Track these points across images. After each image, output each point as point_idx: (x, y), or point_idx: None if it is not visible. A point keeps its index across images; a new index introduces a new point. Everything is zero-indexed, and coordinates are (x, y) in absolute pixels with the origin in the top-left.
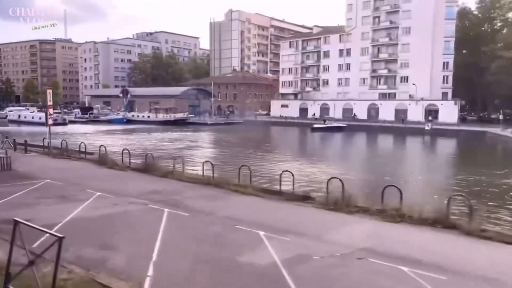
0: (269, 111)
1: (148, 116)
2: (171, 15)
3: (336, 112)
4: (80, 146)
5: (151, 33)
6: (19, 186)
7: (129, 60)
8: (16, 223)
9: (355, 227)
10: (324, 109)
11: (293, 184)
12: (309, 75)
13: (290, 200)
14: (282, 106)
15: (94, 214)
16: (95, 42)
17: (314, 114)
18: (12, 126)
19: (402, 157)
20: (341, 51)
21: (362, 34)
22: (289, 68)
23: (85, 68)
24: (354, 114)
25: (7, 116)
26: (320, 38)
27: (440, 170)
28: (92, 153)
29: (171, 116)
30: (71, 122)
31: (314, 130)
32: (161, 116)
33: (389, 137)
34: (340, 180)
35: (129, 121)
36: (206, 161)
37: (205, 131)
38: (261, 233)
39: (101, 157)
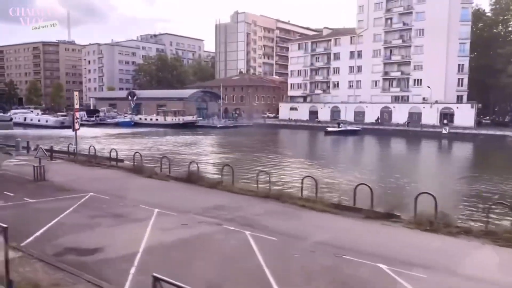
0: (277, 113)
1: (156, 119)
2: (173, 16)
3: (347, 115)
4: (110, 153)
5: (155, 35)
6: (64, 201)
7: (133, 63)
8: (156, 280)
9: (478, 256)
10: (335, 112)
11: (372, 200)
12: (318, 78)
13: (371, 218)
14: (291, 109)
15: (169, 239)
16: (99, 44)
17: (317, 118)
18: (18, 129)
19: (433, 163)
20: (352, 53)
21: (374, 36)
22: (298, 70)
23: (89, 71)
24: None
25: (11, 118)
26: (330, 40)
27: (484, 177)
28: (122, 160)
29: (180, 119)
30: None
31: (328, 133)
32: (170, 119)
33: (406, 141)
34: (431, 195)
35: (136, 124)
36: (260, 171)
37: (216, 134)
38: (383, 266)
39: (136, 165)
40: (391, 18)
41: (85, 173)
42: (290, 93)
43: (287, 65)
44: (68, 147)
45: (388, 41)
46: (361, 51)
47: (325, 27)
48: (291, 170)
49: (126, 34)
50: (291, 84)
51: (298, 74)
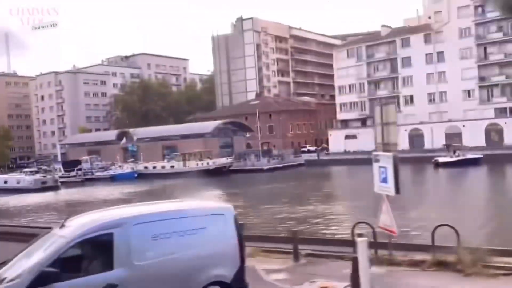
0: (318, 145)
1: (172, 166)
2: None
3: (434, 139)
4: None
5: (126, 57)
6: None
7: (103, 94)
8: None
9: None
10: (415, 137)
11: None
12: (381, 92)
13: None
14: (347, 137)
15: None
16: (56, 73)
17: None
18: None
19: None
20: (429, 55)
21: (460, 30)
22: (350, 85)
23: (43, 109)
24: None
25: None
26: (394, 41)
27: None
28: None
29: (209, 163)
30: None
31: (440, 165)
32: (194, 164)
33: None
34: None
35: (141, 176)
36: None
37: (278, 180)
38: None
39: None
40: (482, 6)
41: None
42: (341, 116)
43: (309, 83)
44: None
45: (481, 35)
46: (442, 52)
47: (383, 25)
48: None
49: (81, 61)
50: (341, 104)
51: (350, 90)
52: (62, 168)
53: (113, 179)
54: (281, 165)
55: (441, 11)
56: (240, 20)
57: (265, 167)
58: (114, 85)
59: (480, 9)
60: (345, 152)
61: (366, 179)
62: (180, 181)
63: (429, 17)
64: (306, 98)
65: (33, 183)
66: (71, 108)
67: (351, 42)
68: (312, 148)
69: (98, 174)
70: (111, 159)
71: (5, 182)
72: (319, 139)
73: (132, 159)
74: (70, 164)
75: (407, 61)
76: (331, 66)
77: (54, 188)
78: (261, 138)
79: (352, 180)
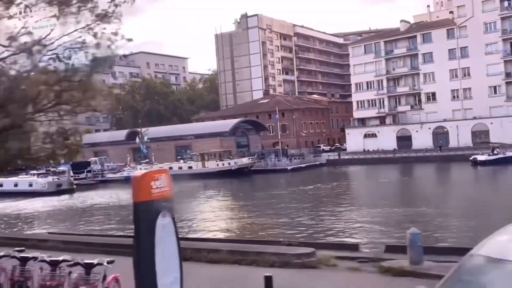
0: (332, 144)
1: (190, 167)
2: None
3: (460, 137)
4: None
5: (125, 56)
6: None
7: None
8: None
9: None
10: (439, 135)
11: None
12: (401, 89)
13: None
14: (366, 136)
15: None
16: None
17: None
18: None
19: None
20: (452, 51)
21: (484, 25)
22: (368, 82)
23: None
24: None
25: None
26: (414, 37)
27: None
28: None
29: (231, 164)
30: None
31: (479, 164)
32: (214, 165)
33: None
34: None
35: None
36: None
37: (312, 181)
38: None
39: None
40: None
41: None
42: (357, 114)
43: (313, 82)
44: None
45: (507, 30)
46: (466, 47)
47: (402, 20)
48: None
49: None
50: (358, 102)
51: (368, 87)
52: (71, 170)
53: (127, 180)
54: (303, 165)
55: (464, 5)
56: (245, 17)
57: (289, 167)
58: (113, 84)
59: (506, 3)
60: (364, 152)
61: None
62: (201, 183)
63: (451, 12)
64: (315, 96)
65: (47, 185)
66: None
67: (368, 37)
68: (327, 148)
69: (110, 175)
70: (120, 160)
71: (16, 185)
72: (331, 138)
73: (146, 160)
74: (79, 166)
75: (428, 57)
76: (334, 64)
77: (69, 191)
78: (274, 138)
79: (396, 179)
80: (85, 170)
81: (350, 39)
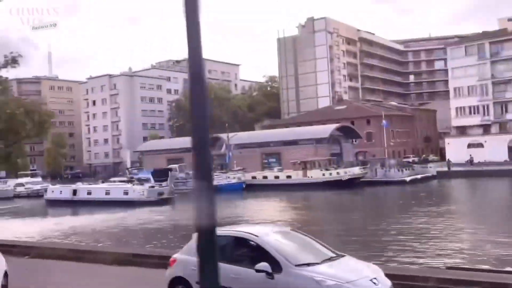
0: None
1: (289, 176)
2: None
3: None
4: None
5: (178, 61)
6: None
7: (159, 100)
8: None
9: None
10: None
11: None
12: (510, 95)
13: None
14: (470, 146)
15: None
16: (110, 76)
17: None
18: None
19: None
20: None
21: None
22: (469, 87)
23: (94, 115)
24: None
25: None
26: None
27: None
28: None
29: (340, 173)
30: None
31: None
32: (318, 174)
33: None
34: None
35: (248, 187)
36: None
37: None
38: None
39: None
40: None
41: None
42: (456, 122)
43: (375, 90)
44: None
45: None
46: None
47: (510, 19)
48: None
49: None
50: (457, 108)
51: (469, 93)
52: (152, 178)
53: (218, 190)
54: (419, 177)
55: None
56: (312, 20)
57: (407, 179)
58: (168, 91)
59: None
60: (467, 163)
61: None
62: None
63: None
64: (394, 103)
65: (147, 194)
66: (126, 114)
67: (470, 38)
68: (416, 159)
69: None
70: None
71: (107, 193)
72: (415, 148)
73: (241, 169)
74: (160, 173)
75: None
76: (394, 72)
77: (170, 200)
78: (357, 147)
79: None
80: (167, 178)
81: (411, 46)
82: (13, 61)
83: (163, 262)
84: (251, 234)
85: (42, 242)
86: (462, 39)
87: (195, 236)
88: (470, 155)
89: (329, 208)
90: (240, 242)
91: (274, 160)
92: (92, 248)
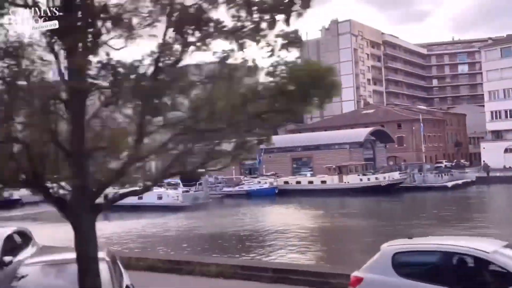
0: (451, 160)
1: (323, 181)
2: None
3: None
4: None
5: None
6: None
7: None
8: None
9: None
10: None
11: None
12: None
13: None
14: (507, 150)
15: None
16: None
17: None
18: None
19: None
20: None
21: None
22: (505, 90)
23: None
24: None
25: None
26: None
27: None
28: None
29: (379, 179)
30: None
31: None
32: (356, 179)
33: None
34: None
35: (281, 192)
36: None
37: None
38: None
39: None
40: None
41: None
42: (491, 126)
43: (399, 94)
44: None
45: None
46: None
47: None
48: None
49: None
50: (492, 112)
51: (505, 96)
52: (181, 183)
53: (249, 195)
54: (460, 182)
55: None
56: (336, 23)
57: (449, 184)
58: None
59: None
60: (505, 168)
61: None
62: (354, 201)
63: None
64: (422, 107)
65: (182, 199)
66: None
67: (505, 40)
68: (448, 164)
69: (227, 189)
70: (225, 173)
71: (140, 197)
72: (446, 153)
73: (270, 173)
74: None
75: None
76: (418, 75)
77: (205, 206)
78: (388, 151)
79: None
80: (197, 183)
81: (434, 50)
82: None
83: (274, 275)
84: (480, 250)
85: (122, 251)
86: (496, 41)
87: (383, 250)
88: (484, 161)
89: (379, 216)
90: (464, 260)
91: (304, 164)
92: (189, 258)
